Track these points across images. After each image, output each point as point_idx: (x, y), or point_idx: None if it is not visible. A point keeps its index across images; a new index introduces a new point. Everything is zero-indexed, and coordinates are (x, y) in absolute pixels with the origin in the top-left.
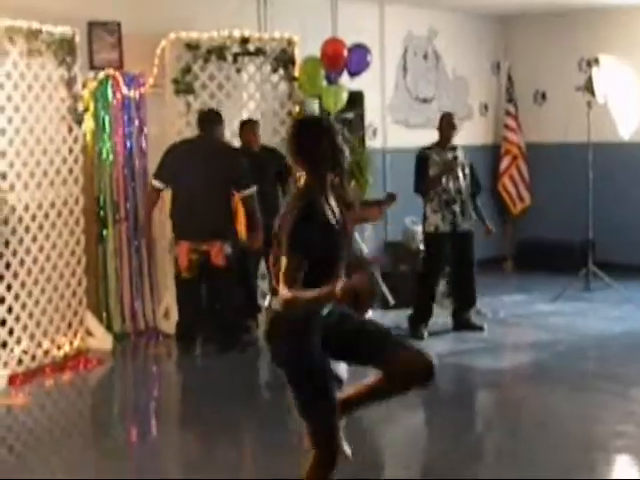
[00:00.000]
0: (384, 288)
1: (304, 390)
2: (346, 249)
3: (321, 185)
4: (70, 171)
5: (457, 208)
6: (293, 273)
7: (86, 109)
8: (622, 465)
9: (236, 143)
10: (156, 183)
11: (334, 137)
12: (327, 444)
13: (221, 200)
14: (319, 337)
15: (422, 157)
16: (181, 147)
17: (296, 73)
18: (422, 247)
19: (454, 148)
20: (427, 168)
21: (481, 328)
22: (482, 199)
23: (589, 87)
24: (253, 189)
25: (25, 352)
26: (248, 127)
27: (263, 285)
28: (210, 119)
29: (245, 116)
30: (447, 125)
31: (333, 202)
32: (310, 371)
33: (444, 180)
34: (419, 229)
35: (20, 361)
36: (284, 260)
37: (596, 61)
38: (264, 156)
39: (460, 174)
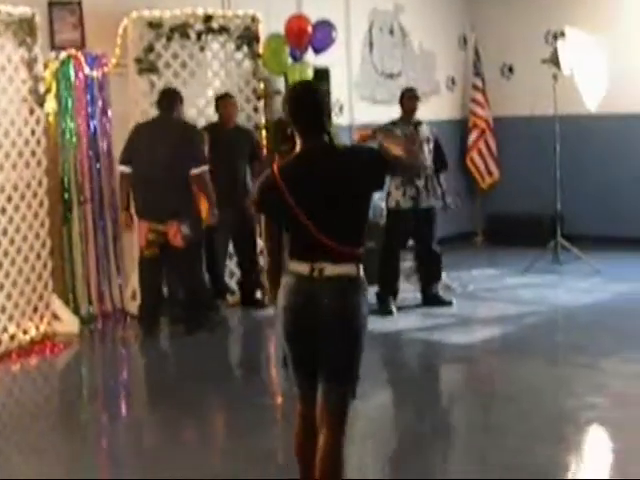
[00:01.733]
0: None
1: None
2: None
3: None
4: (33, 153)
5: (420, 183)
6: None
7: (48, 90)
8: (592, 436)
9: (203, 121)
10: (122, 168)
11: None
12: None
13: (179, 180)
14: None
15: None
16: (142, 129)
17: (260, 50)
18: None
19: (419, 123)
20: None
21: (450, 303)
22: (450, 174)
23: (555, 60)
24: (204, 168)
25: None
26: (224, 102)
27: (231, 264)
28: (168, 99)
29: (210, 94)
30: (408, 100)
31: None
32: None
33: None
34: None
35: None
36: None
37: (562, 34)
38: (237, 135)
39: (425, 149)
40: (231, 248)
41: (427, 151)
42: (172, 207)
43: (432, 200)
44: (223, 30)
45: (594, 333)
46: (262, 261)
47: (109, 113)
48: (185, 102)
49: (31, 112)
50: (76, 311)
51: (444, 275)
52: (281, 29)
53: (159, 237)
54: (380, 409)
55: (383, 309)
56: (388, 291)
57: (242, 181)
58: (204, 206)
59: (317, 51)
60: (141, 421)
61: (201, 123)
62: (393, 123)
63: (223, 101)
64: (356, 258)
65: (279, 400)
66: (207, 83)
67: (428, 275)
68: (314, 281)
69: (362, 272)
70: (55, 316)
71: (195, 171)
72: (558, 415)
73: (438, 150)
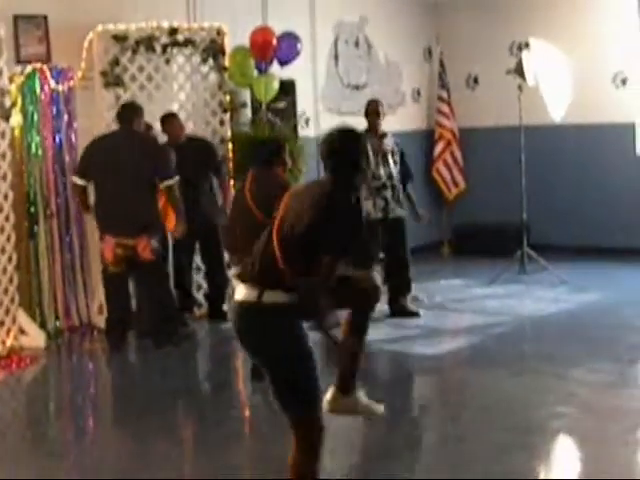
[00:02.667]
0: None
1: None
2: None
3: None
4: None
5: (388, 194)
6: None
7: (14, 104)
8: (561, 445)
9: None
10: (76, 179)
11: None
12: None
13: (145, 194)
14: None
15: None
16: (100, 142)
17: (226, 63)
18: None
19: (383, 135)
20: None
21: (417, 314)
22: (417, 185)
23: (519, 70)
24: (175, 179)
25: None
26: (170, 121)
27: (198, 278)
28: (128, 112)
29: (176, 107)
30: (372, 112)
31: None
32: None
33: (374, 167)
34: None
35: None
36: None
37: (527, 45)
38: (191, 146)
39: (390, 161)
40: (198, 261)
41: (392, 163)
42: (141, 221)
43: (399, 210)
44: (189, 43)
45: (561, 343)
46: (229, 273)
47: (75, 127)
48: (151, 115)
49: None
50: (43, 325)
51: (412, 286)
52: (247, 42)
53: (127, 251)
54: (348, 420)
55: None
56: None
57: (204, 192)
58: (171, 218)
59: (283, 63)
60: (109, 436)
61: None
62: None
63: (165, 121)
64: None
65: (247, 413)
66: (173, 96)
67: (397, 286)
68: None
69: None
70: (22, 330)
71: (166, 183)
72: (527, 424)
73: (403, 162)
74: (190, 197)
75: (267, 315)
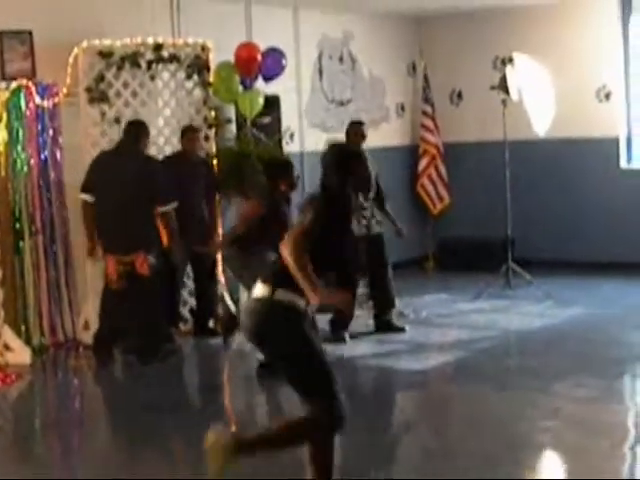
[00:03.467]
0: None
1: None
2: None
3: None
4: None
5: (368, 213)
6: None
7: None
8: (546, 460)
9: (153, 150)
10: (83, 196)
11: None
12: None
13: (142, 211)
14: None
15: None
16: (104, 158)
17: (211, 79)
18: None
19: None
20: None
21: (402, 329)
22: (401, 200)
23: (503, 85)
24: (173, 205)
25: None
26: (190, 135)
27: (184, 293)
28: (135, 130)
29: (161, 124)
30: (354, 135)
31: None
32: None
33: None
34: None
35: None
36: None
37: (510, 60)
38: (199, 166)
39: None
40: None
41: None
42: (138, 238)
43: (378, 227)
44: (173, 59)
45: (546, 357)
46: (218, 290)
47: (60, 142)
48: None
49: None
50: (28, 341)
51: (397, 301)
52: (231, 57)
53: (126, 267)
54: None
55: (336, 336)
56: (344, 319)
57: (200, 210)
58: (166, 239)
59: (267, 79)
60: (96, 452)
61: (151, 152)
62: None
63: (191, 134)
64: None
65: (233, 428)
66: (158, 112)
67: (381, 302)
68: None
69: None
70: (7, 347)
71: (162, 209)
72: (512, 439)
73: (377, 185)
74: (186, 213)
75: (277, 309)
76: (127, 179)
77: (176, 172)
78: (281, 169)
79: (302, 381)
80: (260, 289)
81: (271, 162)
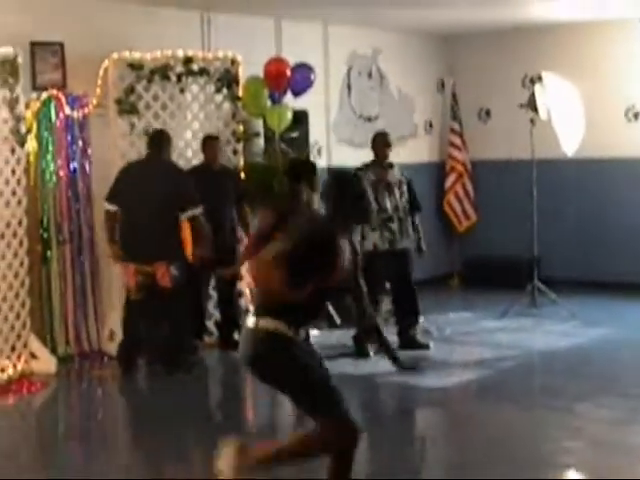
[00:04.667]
0: (330, 308)
1: None
2: None
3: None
4: (13, 192)
5: (395, 226)
6: None
7: (29, 130)
8: None
9: (182, 163)
10: (107, 205)
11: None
12: None
13: (167, 221)
14: None
15: (355, 176)
16: (131, 169)
17: (240, 93)
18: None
19: (390, 165)
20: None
21: (427, 346)
22: (427, 217)
23: (532, 104)
24: (200, 209)
25: None
26: (211, 143)
27: (209, 306)
28: (159, 139)
29: (189, 136)
30: (380, 147)
31: None
32: None
33: (380, 198)
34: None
35: None
36: None
37: (539, 78)
38: (223, 176)
39: (397, 192)
40: (210, 289)
41: (398, 195)
42: (160, 249)
43: (406, 242)
44: (203, 72)
45: (570, 377)
46: (242, 303)
47: (89, 153)
48: None
49: (12, 152)
50: (54, 350)
51: (421, 318)
52: (261, 72)
53: (147, 278)
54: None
55: (360, 352)
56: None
57: (228, 222)
58: (189, 247)
59: (296, 94)
60: (119, 461)
61: (180, 164)
62: (366, 166)
63: (207, 142)
64: None
65: (256, 441)
66: (187, 125)
67: (405, 318)
68: None
69: None
70: (33, 355)
71: (193, 212)
72: (534, 459)
73: (411, 192)
74: (213, 225)
75: (262, 338)
76: (153, 188)
77: (199, 183)
78: (304, 168)
79: (301, 403)
80: (249, 317)
81: (294, 162)
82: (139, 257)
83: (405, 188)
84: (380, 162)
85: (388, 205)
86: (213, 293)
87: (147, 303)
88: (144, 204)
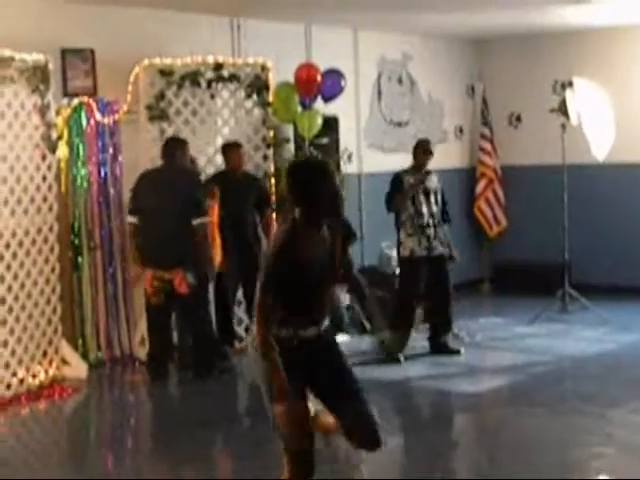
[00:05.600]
0: (361, 315)
1: None
2: (327, 285)
3: (310, 224)
4: (44, 199)
5: (431, 232)
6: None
7: (60, 136)
8: None
9: (212, 169)
10: (130, 219)
11: (333, 182)
12: None
13: (184, 228)
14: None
15: (397, 178)
16: (146, 177)
17: (270, 99)
18: (398, 272)
19: (428, 172)
20: (401, 188)
21: (458, 352)
22: (458, 222)
23: (563, 109)
24: (205, 219)
25: (0, 381)
26: (233, 150)
27: (239, 312)
28: (172, 147)
29: (219, 142)
30: (423, 152)
31: (323, 242)
32: None
33: (417, 203)
34: (394, 254)
35: None
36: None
37: (570, 84)
38: (245, 182)
39: (432, 199)
40: (240, 295)
41: (434, 201)
42: (177, 255)
43: (441, 248)
44: (233, 78)
45: (602, 383)
46: None
47: (120, 159)
48: (195, 150)
49: (43, 158)
50: (85, 356)
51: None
52: (291, 77)
53: (164, 285)
54: (386, 456)
55: (391, 357)
56: (400, 340)
57: (251, 228)
58: (217, 252)
59: (326, 99)
60: (149, 467)
61: (210, 171)
62: (405, 172)
63: (230, 149)
64: None
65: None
66: (217, 131)
67: (439, 324)
68: None
69: None
70: (64, 361)
71: (195, 222)
72: (566, 464)
73: (443, 203)
74: (237, 231)
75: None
76: (169, 196)
77: (223, 188)
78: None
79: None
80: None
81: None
82: (157, 263)
83: (440, 196)
84: (419, 168)
85: (425, 211)
86: (242, 299)
87: (168, 308)
88: (160, 212)
